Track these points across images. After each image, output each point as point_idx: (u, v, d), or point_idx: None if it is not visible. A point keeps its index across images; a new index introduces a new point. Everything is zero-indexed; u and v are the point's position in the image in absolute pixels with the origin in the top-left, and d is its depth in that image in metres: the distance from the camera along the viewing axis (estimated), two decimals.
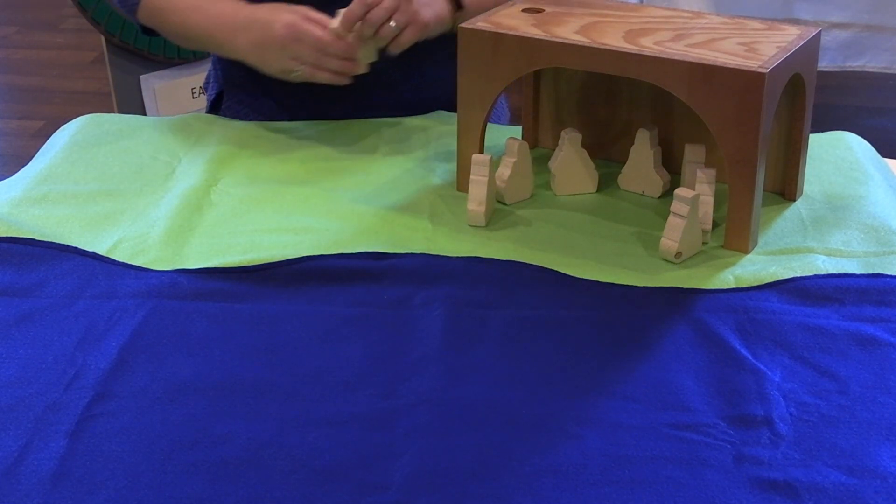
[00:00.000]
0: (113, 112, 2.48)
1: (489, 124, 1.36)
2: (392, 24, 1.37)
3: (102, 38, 2.62)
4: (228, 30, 1.45)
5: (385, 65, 1.44)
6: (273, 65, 1.41)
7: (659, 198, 1.36)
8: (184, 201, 1.31)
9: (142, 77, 2.69)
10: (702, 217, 1.23)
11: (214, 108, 1.66)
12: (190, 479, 0.91)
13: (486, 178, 1.28)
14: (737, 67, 1.17)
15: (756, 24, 1.29)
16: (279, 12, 1.40)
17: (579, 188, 1.37)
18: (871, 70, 2.83)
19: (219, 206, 1.33)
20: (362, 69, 1.40)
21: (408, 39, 1.39)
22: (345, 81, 1.40)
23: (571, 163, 1.36)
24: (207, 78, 1.70)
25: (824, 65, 2.77)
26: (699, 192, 1.22)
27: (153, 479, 0.91)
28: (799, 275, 1.17)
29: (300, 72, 1.39)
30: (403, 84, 1.56)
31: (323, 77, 1.39)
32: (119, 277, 1.18)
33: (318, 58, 1.38)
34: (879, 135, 2.38)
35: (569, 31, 1.28)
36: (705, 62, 1.18)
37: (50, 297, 1.15)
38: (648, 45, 1.23)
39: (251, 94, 1.60)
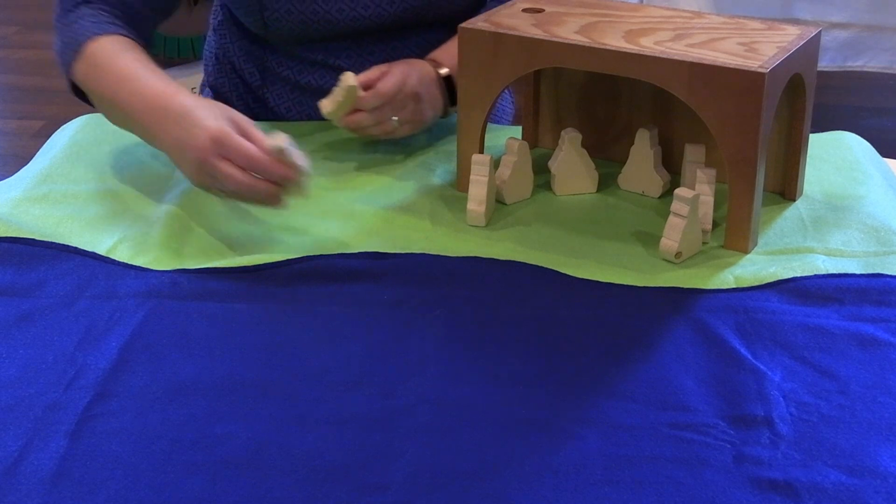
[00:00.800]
0: None
1: (489, 124, 1.36)
2: (395, 118, 1.37)
3: None
4: (157, 116, 1.26)
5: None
6: (190, 176, 1.23)
7: (659, 198, 1.36)
8: (184, 201, 1.31)
9: None
10: (702, 217, 1.23)
11: None
12: (190, 479, 0.91)
13: (486, 178, 1.28)
14: (737, 67, 1.17)
15: (756, 24, 1.29)
16: (210, 114, 1.20)
17: (579, 188, 1.37)
18: (871, 70, 2.83)
19: (219, 206, 1.32)
20: (299, 196, 1.20)
21: (401, 134, 1.40)
22: (277, 206, 1.21)
23: (571, 163, 1.36)
24: (203, 85, 1.70)
25: (824, 65, 2.77)
26: (699, 192, 1.22)
27: (153, 479, 0.91)
28: (799, 275, 1.17)
29: (217, 193, 1.22)
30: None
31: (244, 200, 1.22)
32: (119, 277, 1.18)
33: (242, 185, 1.18)
34: (879, 135, 2.38)
35: (569, 31, 1.28)
36: (705, 62, 1.18)
37: (50, 297, 1.15)
38: (648, 45, 1.23)
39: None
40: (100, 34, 1.37)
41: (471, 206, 1.28)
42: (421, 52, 1.48)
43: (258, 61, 1.55)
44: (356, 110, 1.36)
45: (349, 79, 1.34)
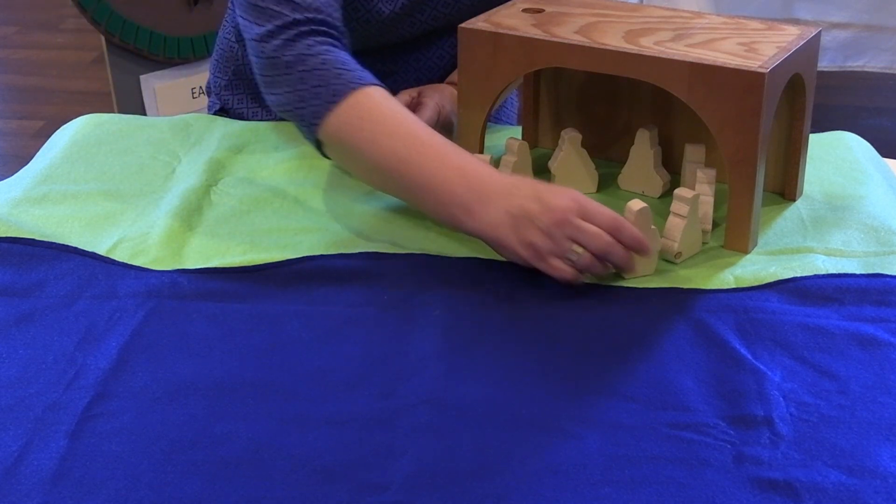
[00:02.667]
0: (113, 112, 2.48)
1: (489, 124, 1.36)
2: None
3: (102, 38, 2.63)
4: (483, 193, 1.15)
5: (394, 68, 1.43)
6: (537, 241, 1.13)
7: (659, 198, 1.36)
8: (184, 201, 1.31)
9: (142, 77, 2.69)
10: (702, 217, 1.23)
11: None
12: (190, 479, 0.91)
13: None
14: (737, 67, 1.17)
15: (756, 24, 1.29)
16: (553, 186, 1.16)
17: (579, 188, 1.36)
18: (871, 70, 2.83)
19: (219, 206, 1.33)
20: (643, 273, 1.18)
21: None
22: (630, 272, 1.16)
23: (571, 163, 1.36)
24: (208, 86, 1.69)
25: (824, 65, 2.77)
26: (699, 192, 1.22)
27: (153, 479, 0.91)
28: (799, 275, 1.17)
29: (574, 258, 1.14)
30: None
31: (592, 266, 1.15)
32: (119, 277, 1.18)
33: (608, 244, 1.13)
34: (879, 135, 2.38)
35: (569, 31, 1.28)
36: (705, 62, 1.18)
37: (50, 297, 1.15)
38: (648, 45, 1.23)
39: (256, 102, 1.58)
40: (361, 83, 1.22)
41: None
42: (443, 61, 1.47)
43: None
44: None
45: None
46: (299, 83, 1.22)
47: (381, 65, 1.48)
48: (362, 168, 1.25)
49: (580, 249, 1.14)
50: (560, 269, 1.14)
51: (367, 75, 1.23)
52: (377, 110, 1.21)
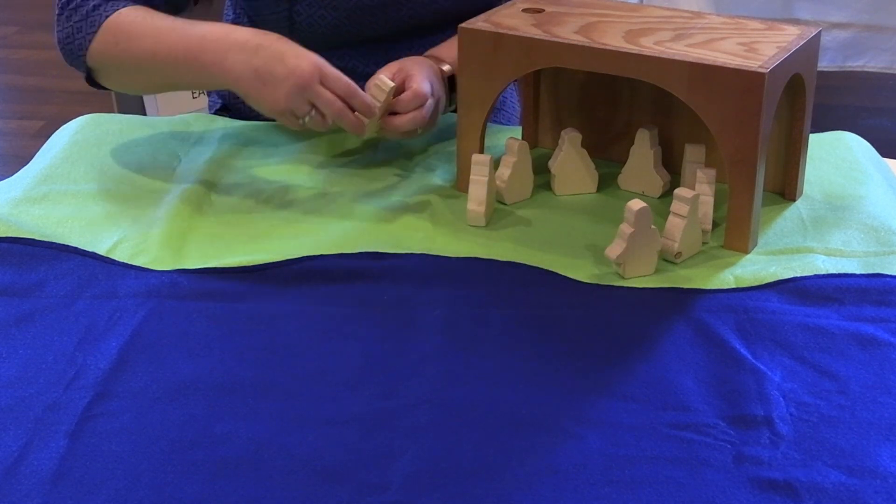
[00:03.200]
0: (113, 112, 2.48)
1: (489, 124, 1.36)
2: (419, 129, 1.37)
3: None
4: (220, 48, 1.30)
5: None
6: (279, 101, 1.28)
7: (659, 198, 1.36)
8: (184, 201, 1.31)
9: None
10: (702, 217, 1.23)
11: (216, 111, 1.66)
12: (190, 479, 0.91)
13: (486, 179, 1.28)
14: (737, 67, 1.17)
15: (756, 24, 1.29)
16: (296, 47, 1.29)
17: (579, 188, 1.37)
18: (871, 70, 2.83)
19: (219, 206, 1.33)
20: (365, 135, 1.34)
21: (418, 136, 1.40)
22: (360, 134, 1.33)
23: (571, 163, 1.36)
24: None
25: (824, 65, 2.77)
26: (699, 192, 1.22)
27: (153, 479, 0.91)
28: (799, 275, 1.17)
29: (307, 118, 1.29)
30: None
31: (324, 125, 1.30)
32: (119, 277, 1.18)
33: (341, 109, 1.28)
34: (879, 135, 2.38)
35: (569, 31, 1.28)
36: (705, 62, 1.18)
37: (50, 297, 1.15)
38: (648, 45, 1.23)
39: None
40: (118, 9, 1.37)
41: (471, 206, 1.28)
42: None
43: None
44: (392, 112, 1.35)
45: (388, 81, 1.33)
46: (67, 21, 1.40)
47: (358, 64, 1.51)
48: (128, 79, 1.43)
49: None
50: (297, 126, 1.30)
51: (126, 3, 1.38)
52: (126, 26, 1.36)
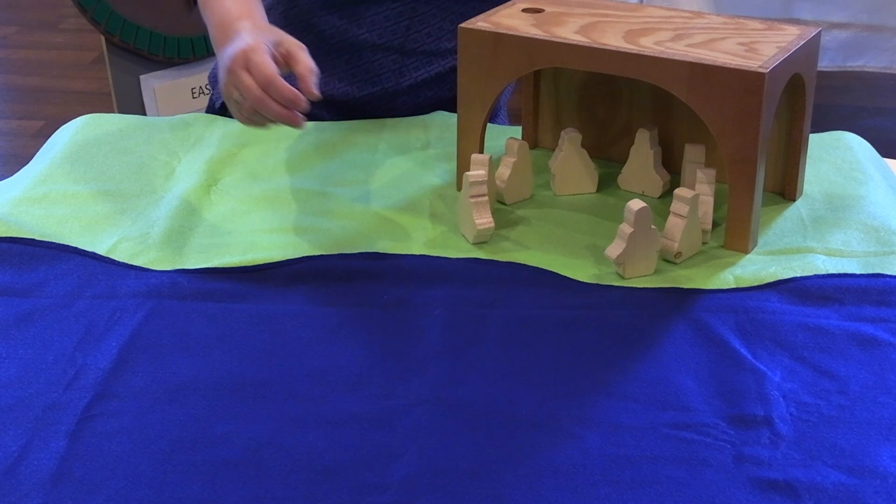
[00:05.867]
0: (113, 112, 2.48)
1: (489, 124, 1.36)
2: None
3: (102, 38, 2.63)
4: (225, 30, 1.29)
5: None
6: (222, 88, 1.24)
7: (659, 198, 1.36)
8: (184, 201, 1.31)
9: (142, 77, 2.69)
10: (702, 217, 1.23)
11: (216, 108, 1.66)
12: (190, 479, 0.91)
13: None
14: (737, 67, 1.17)
15: (756, 24, 1.29)
16: (256, 32, 1.25)
17: (579, 188, 1.37)
18: (871, 70, 2.83)
19: (219, 206, 1.33)
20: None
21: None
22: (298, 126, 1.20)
23: (571, 163, 1.36)
24: (212, 76, 1.68)
25: (824, 65, 2.77)
26: (699, 192, 1.22)
27: (153, 479, 0.91)
28: (799, 275, 1.17)
29: (236, 109, 1.22)
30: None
31: (252, 123, 1.23)
32: (119, 277, 1.18)
33: (259, 98, 1.18)
34: (879, 135, 2.38)
35: (569, 31, 1.28)
36: (705, 62, 1.18)
37: (50, 297, 1.15)
38: (648, 45, 1.23)
39: None
40: None
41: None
42: (444, 14, 1.50)
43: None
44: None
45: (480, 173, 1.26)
46: None
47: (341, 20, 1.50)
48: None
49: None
50: (232, 112, 1.23)
51: None
52: None
